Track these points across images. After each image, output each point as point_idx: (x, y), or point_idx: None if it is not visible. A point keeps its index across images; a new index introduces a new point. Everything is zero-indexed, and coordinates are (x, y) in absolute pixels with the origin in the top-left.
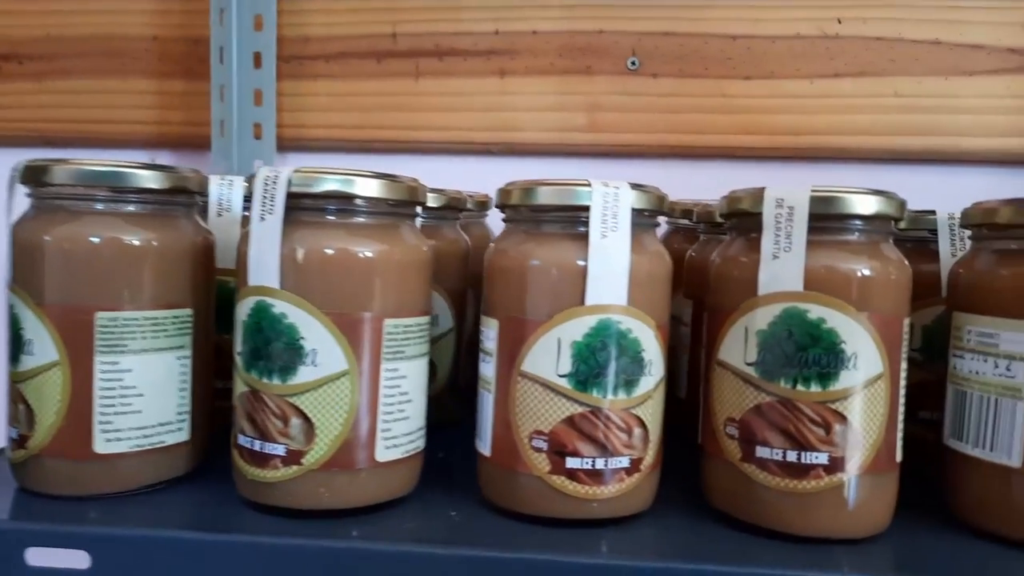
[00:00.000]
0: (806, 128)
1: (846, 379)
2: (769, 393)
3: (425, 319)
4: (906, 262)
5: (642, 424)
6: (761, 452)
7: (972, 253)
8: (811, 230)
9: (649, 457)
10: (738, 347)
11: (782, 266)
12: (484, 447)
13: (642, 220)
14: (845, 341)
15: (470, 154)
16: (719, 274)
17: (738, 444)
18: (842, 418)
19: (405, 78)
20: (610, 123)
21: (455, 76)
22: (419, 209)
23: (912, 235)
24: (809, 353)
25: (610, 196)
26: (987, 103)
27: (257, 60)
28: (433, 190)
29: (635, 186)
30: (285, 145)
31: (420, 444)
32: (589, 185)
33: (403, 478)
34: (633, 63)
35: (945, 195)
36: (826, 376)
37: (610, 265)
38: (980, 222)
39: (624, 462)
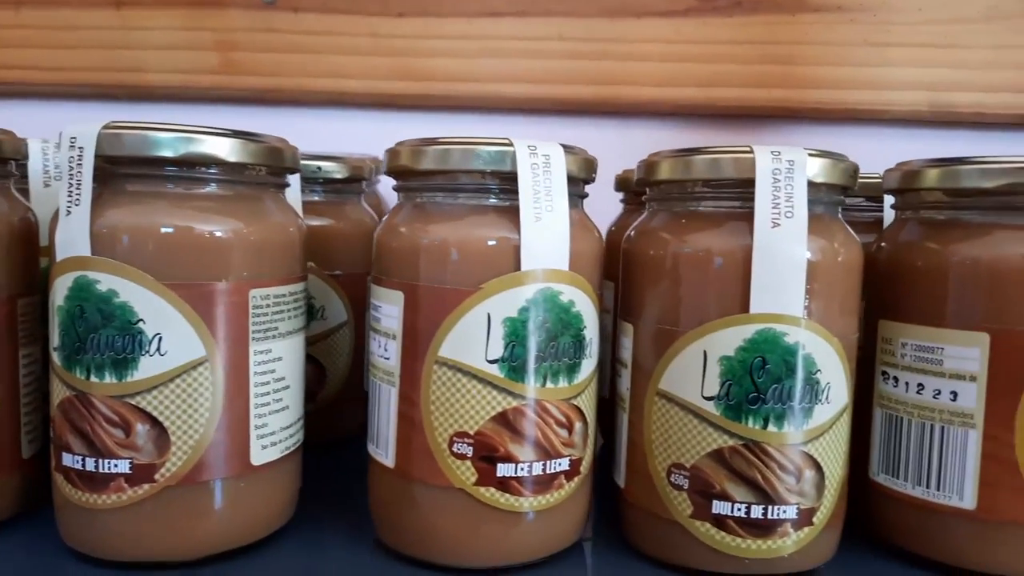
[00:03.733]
0: (466, 74)
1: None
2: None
3: (300, 286)
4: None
5: (582, 417)
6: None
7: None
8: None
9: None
10: None
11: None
12: (387, 458)
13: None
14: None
15: (87, 99)
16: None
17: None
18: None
19: (3, 7)
20: (246, 64)
21: (64, 7)
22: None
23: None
24: None
25: (539, 163)
26: (657, 48)
27: None
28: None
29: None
30: None
31: (300, 438)
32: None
33: (285, 484)
34: None
35: (621, 150)
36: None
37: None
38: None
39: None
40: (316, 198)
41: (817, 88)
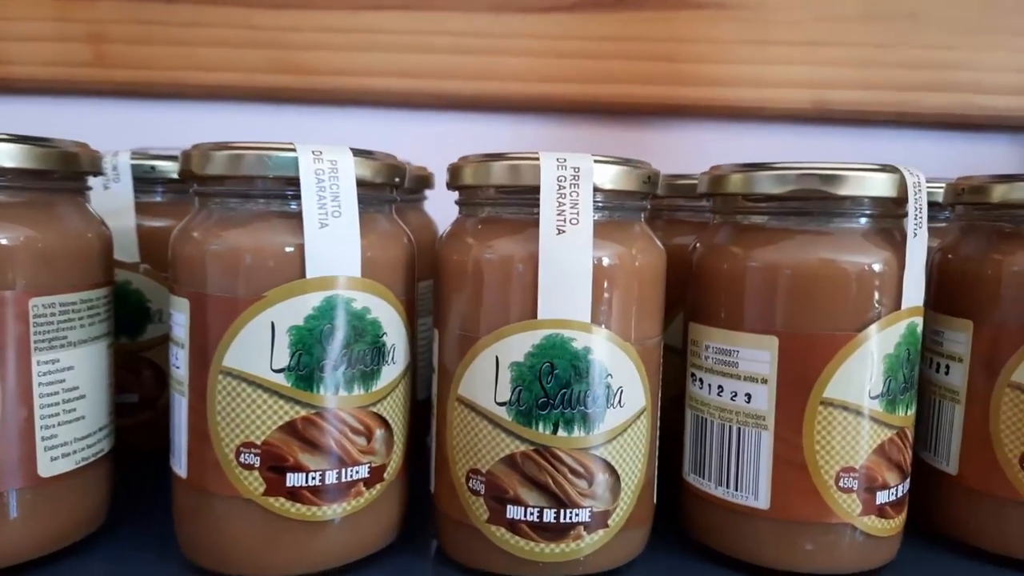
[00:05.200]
0: (348, 68)
1: None
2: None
3: (97, 293)
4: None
5: (385, 424)
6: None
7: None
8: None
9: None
10: None
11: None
12: (181, 469)
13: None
14: None
15: None
16: None
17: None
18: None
19: None
20: (119, 57)
21: None
22: None
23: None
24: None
25: (326, 169)
26: (541, 44)
27: None
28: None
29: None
30: None
31: (105, 447)
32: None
33: (83, 495)
34: None
35: (508, 148)
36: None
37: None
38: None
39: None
40: (157, 199)
41: (700, 85)
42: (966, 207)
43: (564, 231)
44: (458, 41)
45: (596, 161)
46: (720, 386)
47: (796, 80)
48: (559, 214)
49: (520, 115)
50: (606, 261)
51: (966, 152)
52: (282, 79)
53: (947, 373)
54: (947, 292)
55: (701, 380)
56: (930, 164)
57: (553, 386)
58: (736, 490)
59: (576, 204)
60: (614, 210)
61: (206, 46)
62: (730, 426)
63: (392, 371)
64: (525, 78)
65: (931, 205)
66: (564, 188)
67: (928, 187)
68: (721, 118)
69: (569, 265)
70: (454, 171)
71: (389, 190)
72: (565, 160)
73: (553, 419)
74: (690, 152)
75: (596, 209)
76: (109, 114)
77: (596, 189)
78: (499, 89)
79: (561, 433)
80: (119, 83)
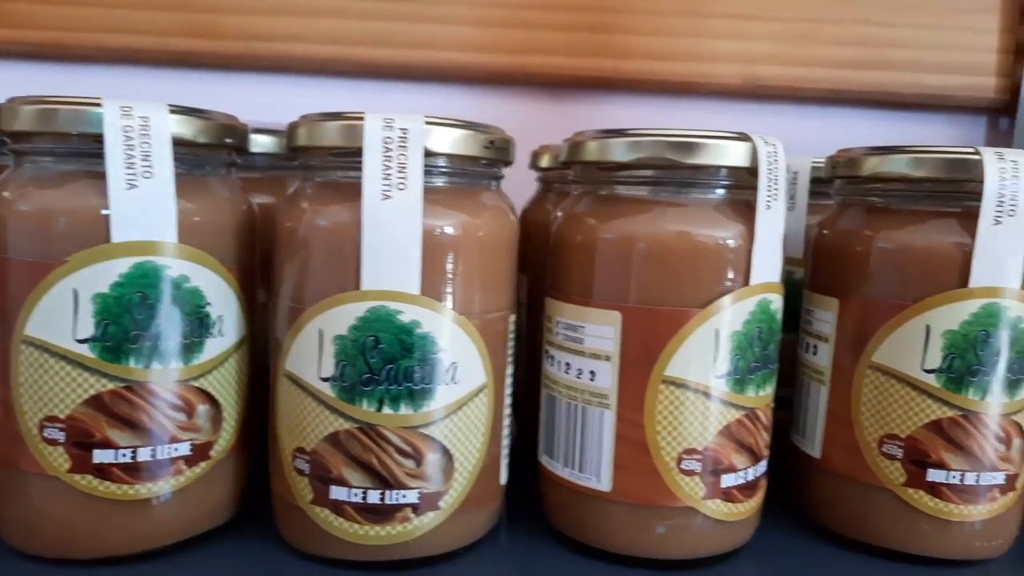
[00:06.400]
0: (263, 33)
1: None
2: None
3: None
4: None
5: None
6: None
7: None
8: None
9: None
10: None
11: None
12: None
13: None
14: None
15: None
16: None
17: None
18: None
19: None
20: (28, 17)
21: None
22: None
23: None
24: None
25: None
26: (466, 12)
27: None
28: None
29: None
30: None
31: None
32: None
33: None
34: None
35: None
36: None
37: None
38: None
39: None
40: None
41: (632, 58)
42: (842, 181)
43: (390, 196)
44: (382, 7)
45: (431, 123)
46: (568, 363)
47: (729, 55)
48: (385, 178)
49: (446, 85)
50: (442, 230)
51: (904, 132)
52: (196, 43)
53: (815, 353)
54: (819, 270)
55: (552, 357)
56: (866, 144)
57: (378, 361)
58: (581, 471)
59: (404, 168)
60: (458, 176)
61: (117, 7)
62: (576, 405)
63: (219, 344)
64: (452, 47)
65: (817, 181)
66: (391, 151)
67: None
68: (654, 92)
69: (395, 233)
70: (289, 131)
71: (226, 152)
72: (393, 120)
73: (378, 396)
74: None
75: (439, 175)
76: (12, 78)
77: (432, 153)
78: (424, 58)
79: (386, 410)
80: (27, 44)
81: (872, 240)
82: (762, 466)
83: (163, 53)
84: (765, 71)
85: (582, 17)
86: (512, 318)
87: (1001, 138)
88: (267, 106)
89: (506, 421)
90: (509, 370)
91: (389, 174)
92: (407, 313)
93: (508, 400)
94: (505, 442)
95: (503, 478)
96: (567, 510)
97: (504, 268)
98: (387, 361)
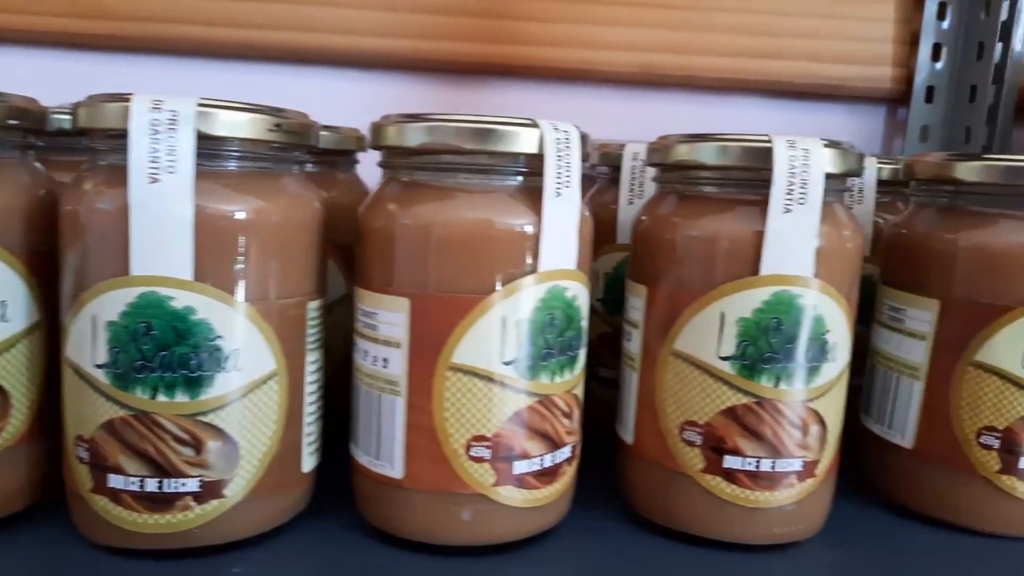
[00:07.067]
0: (154, 14)
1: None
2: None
3: None
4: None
5: None
6: None
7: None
8: None
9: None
10: None
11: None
12: None
13: None
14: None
15: None
16: None
17: None
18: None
19: None
20: None
21: None
22: None
23: None
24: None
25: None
26: None
27: None
28: None
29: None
30: None
31: None
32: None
33: None
34: None
35: (325, 104)
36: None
37: None
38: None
39: None
40: None
41: (530, 44)
42: (658, 169)
43: (158, 179)
44: None
45: (207, 106)
46: (366, 351)
47: (625, 43)
48: (152, 161)
49: (343, 69)
50: (225, 214)
51: (803, 121)
52: (78, 23)
53: (629, 340)
54: (633, 258)
55: (356, 346)
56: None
57: (151, 348)
58: (377, 459)
59: (173, 151)
60: (251, 160)
61: None
62: (373, 393)
63: (3, 329)
64: (354, 31)
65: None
66: (159, 133)
67: None
68: (551, 79)
69: (164, 217)
70: (72, 112)
71: (20, 134)
72: (161, 102)
73: (152, 383)
74: (522, 114)
75: (229, 159)
76: None
77: (210, 137)
78: (322, 41)
79: (161, 398)
80: None
81: (678, 227)
82: (563, 452)
83: (48, 34)
84: (661, 59)
85: (480, 3)
86: (314, 304)
87: (900, 128)
88: (160, 90)
89: (310, 408)
90: (312, 356)
91: (157, 157)
92: (179, 299)
93: (313, 387)
94: (309, 429)
95: (306, 465)
96: (370, 498)
97: (303, 254)
98: (160, 348)
